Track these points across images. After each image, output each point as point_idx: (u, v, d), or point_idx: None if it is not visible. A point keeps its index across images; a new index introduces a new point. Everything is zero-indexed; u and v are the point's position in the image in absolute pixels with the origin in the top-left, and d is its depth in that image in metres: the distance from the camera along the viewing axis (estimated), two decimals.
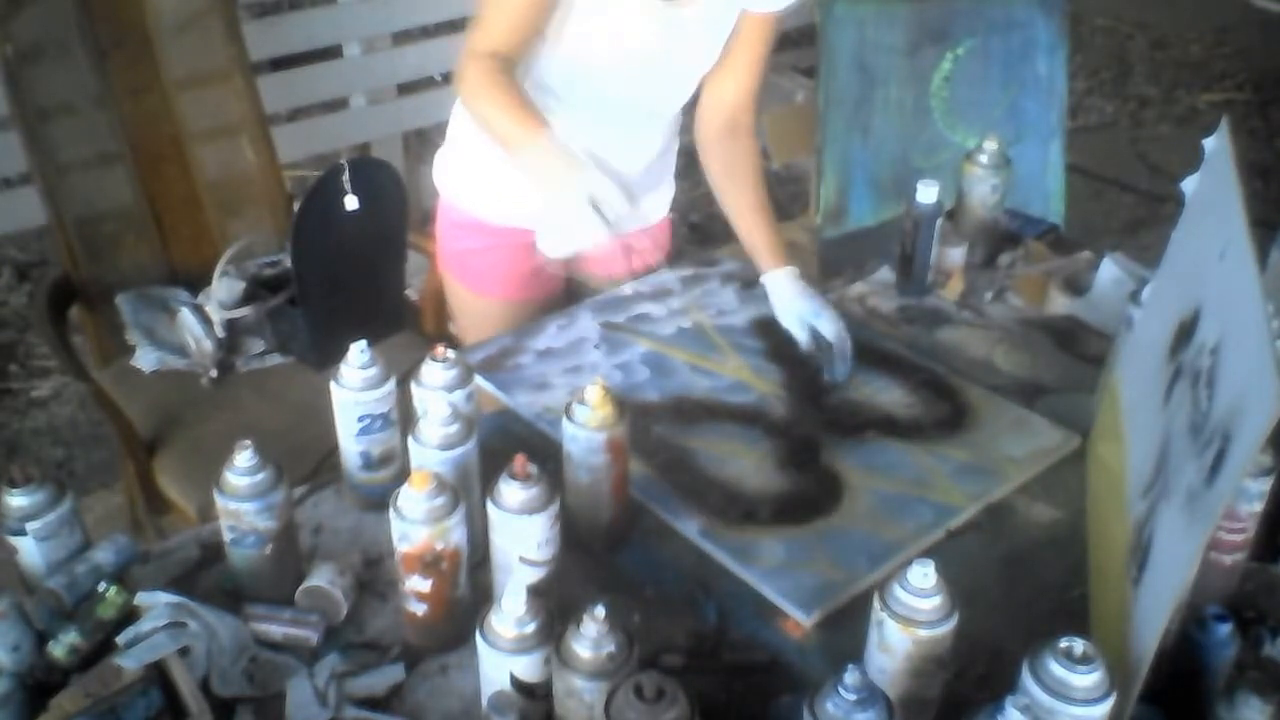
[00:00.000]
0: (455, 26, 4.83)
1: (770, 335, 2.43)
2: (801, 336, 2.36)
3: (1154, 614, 1.45)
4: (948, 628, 1.52)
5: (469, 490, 1.72)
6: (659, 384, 2.29)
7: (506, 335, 2.44)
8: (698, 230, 5.46)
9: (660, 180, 2.73)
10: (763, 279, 2.46)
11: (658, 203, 2.77)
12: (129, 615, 1.66)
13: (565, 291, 2.78)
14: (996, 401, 2.26)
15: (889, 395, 2.27)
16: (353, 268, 2.96)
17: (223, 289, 2.98)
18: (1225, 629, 1.60)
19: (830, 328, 2.32)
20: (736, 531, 1.94)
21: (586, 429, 1.81)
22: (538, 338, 2.43)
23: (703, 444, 2.14)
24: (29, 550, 1.71)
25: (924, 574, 1.51)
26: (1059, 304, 2.58)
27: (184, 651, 1.61)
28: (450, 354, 1.94)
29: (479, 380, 2.30)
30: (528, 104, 2.23)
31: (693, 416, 2.21)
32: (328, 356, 2.48)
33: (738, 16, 2.41)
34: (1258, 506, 1.74)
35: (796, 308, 2.38)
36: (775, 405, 2.25)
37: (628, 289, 2.59)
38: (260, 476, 1.73)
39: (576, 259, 2.39)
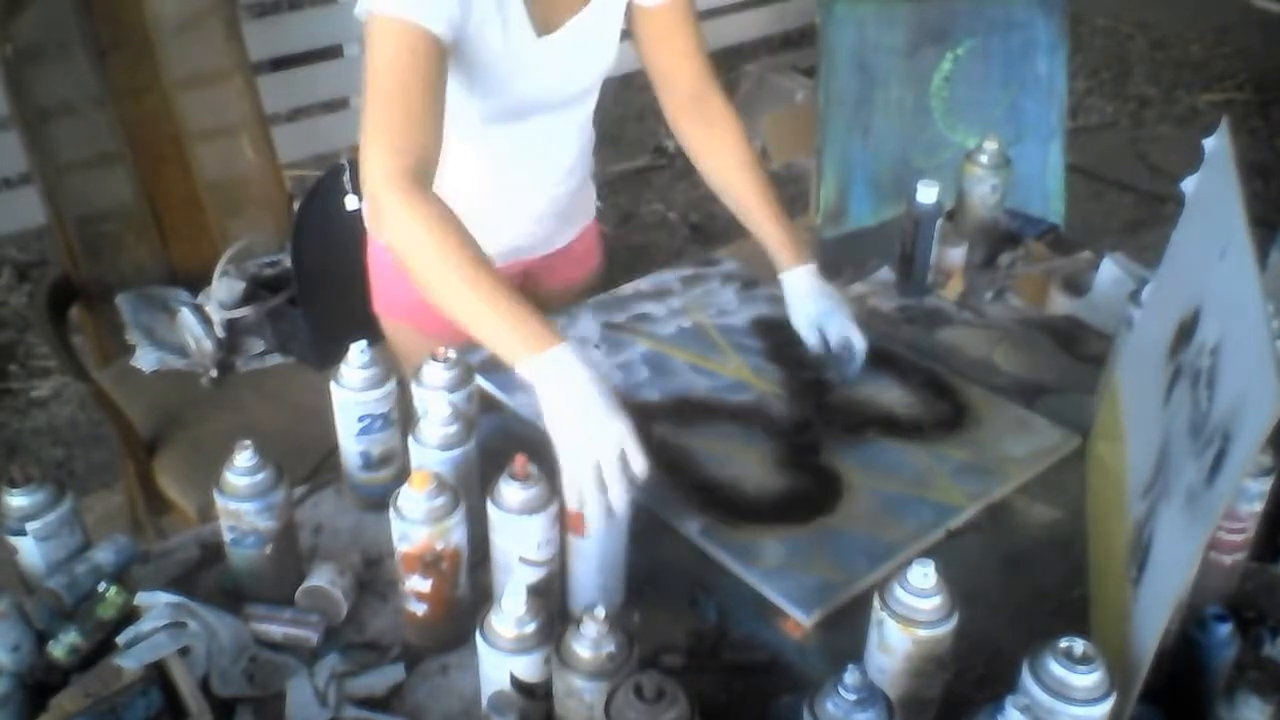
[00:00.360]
0: None
1: (770, 335, 2.43)
2: (810, 339, 2.32)
3: (1154, 614, 1.45)
4: (948, 628, 1.52)
5: (469, 490, 1.72)
6: (659, 384, 2.29)
7: None
8: (698, 230, 5.46)
9: (582, 187, 2.61)
10: (780, 277, 2.38)
11: (582, 209, 2.65)
12: (129, 615, 1.66)
13: None
14: (996, 401, 2.26)
15: (889, 395, 2.27)
16: (353, 268, 2.95)
17: (223, 289, 2.98)
18: (1225, 629, 1.60)
19: (837, 332, 2.28)
20: (737, 531, 1.94)
21: None
22: None
23: (703, 443, 2.14)
24: (29, 550, 1.71)
25: (924, 574, 1.51)
26: (1059, 304, 2.58)
27: (184, 651, 1.61)
28: (451, 354, 1.94)
29: (479, 380, 2.30)
30: (508, 290, 1.82)
31: (693, 416, 2.21)
32: (328, 356, 2.47)
33: (623, 9, 2.32)
34: (1258, 506, 1.74)
35: (808, 309, 2.33)
36: (775, 405, 2.25)
37: (628, 289, 2.60)
38: (260, 476, 1.73)
39: (521, 280, 2.43)
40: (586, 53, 2.31)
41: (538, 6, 2.16)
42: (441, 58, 1.99)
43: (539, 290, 2.62)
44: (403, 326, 2.56)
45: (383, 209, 1.87)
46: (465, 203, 1.97)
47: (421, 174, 1.91)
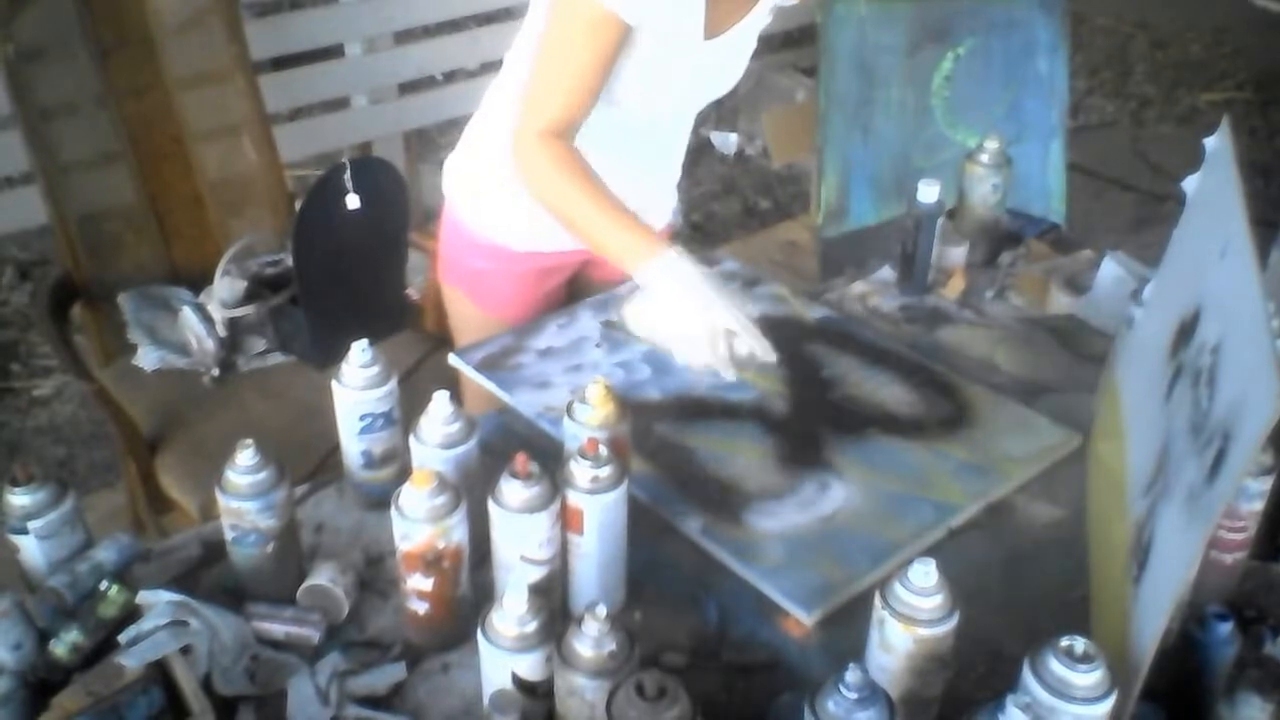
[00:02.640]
0: (456, 26, 4.84)
1: (771, 333, 2.43)
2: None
3: (1154, 613, 1.45)
4: (949, 626, 1.52)
5: (470, 489, 1.72)
6: (660, 382, 2.30)
7: (507, 334, 2.44)
8: (699, 229, 5.46)
9: (662, 191, 2.70)
10: None
11: (663, 209, 2.73)
12: (131, 614, 1.66)
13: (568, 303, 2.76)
14: (997, 400, 2.26)
15: (890, 393, 2.28)
16: (354, 267, 2.96)
17: (224, 288, 2.98)
18: (1226, 628, 1.60)
19: None
20: (737, 530, 1.95)
21: (588, 428, 1.81)
22: (538, 336, 2.43)
23: (704, 442, 2.14)
24: (31, 549, 1.71)
25: (925, 573, 1.51)
26: (1060, 303, 2.58)
27: (185, 650, 1.61)
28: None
29: (479, 378, 2.31)
30: (628, 210, 2.12)
31: (694, 414, 2.21)
32: (329, 355, 2.48)
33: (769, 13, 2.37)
34: (1258, 505, 1.74)
35: None
36: (776, 403, 2.25)
37: (628, 288, 2.59)
38: (262, 475, 1.73)
39: (584, 268, 2.53)
40: (739, 56, 2.38)
41: (716, 9, 2.20)
42: (620, 45, 2.12)
43: (595, 283, 2.72)
44: (458, 294, 2.70)
45: (528, 155, 2.15)
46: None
47: (566, 139, 2.16)
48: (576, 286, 2.76)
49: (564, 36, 2.12)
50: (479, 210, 2.58)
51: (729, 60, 2.36)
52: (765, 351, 2.00)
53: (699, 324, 1.99)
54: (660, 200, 2.68)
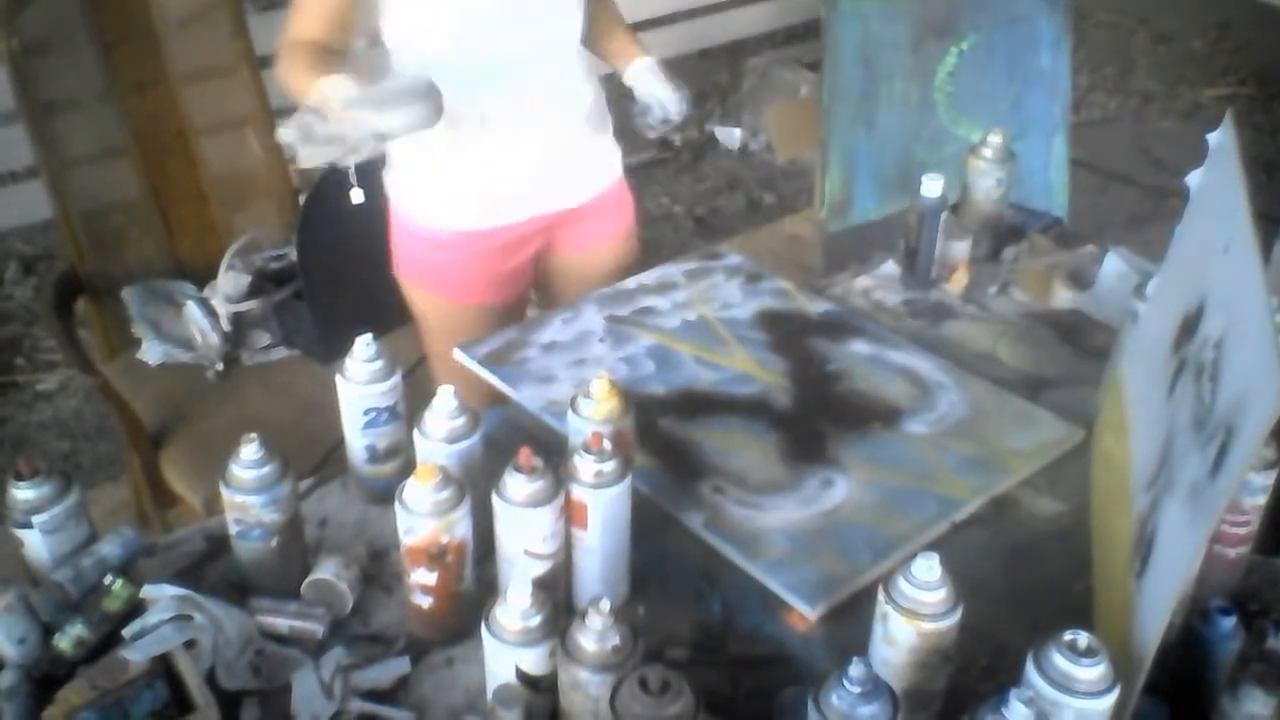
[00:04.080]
0: None
1: (775, 328, 2.44)
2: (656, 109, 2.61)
3: (1157, 607, 1.45)
4: (952, 620, 1.52)
5: (474, 483, 1.72)
6: (664, 377, 2.30)
7: (512, 329, 2.45)
8: (703, 224, 5.46)
9: (596, 140, 2.71)
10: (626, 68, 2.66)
11: (603, 163, 2.76)
12: (135, 608, 1.67)
13: (543, 282, 2.83)
14: (1001, 395, 2.26)
15: (894, 388, 2.28)
16: (358, 261, 2.96)
17: (229, 282, 2.98)
18: (1229, 622, 1.61)
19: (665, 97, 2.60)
20: (741, 524, 1.95)
21: (592, 422, 1.82)
22: (542, 331, 2.43)
23: (707, 436, 2.14)
24: (35, 543, 1.71)
25: (929, 567, 1.51)
26: (1063, 298, 2.58)
27: (190, 644, 1.62)
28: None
29: (484, 373, 2.31)
30: (321, 64, 2.30)
31: (698, 409, 2.21)
32: (333, 350, 2.48)
33: None
34: (1261, 500, 1.74)
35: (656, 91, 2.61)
36: (780, 397, 2.25)
37: (632, 283, 2.60)
38: (266, 469, 1.73)
39: (545, 237, 2.60)
40: None
41: None
42: None
43: (562, 255, 2.77)
44: (419, 290, 2.72)
45: (277, 56, 2.38)
46: (463, 150, 2.47)
47: (314, 45, 2.36)
48: (544, 264, 2.79)
49: None
50: (416, 200, 2.62)
51: None
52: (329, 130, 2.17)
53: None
54: (586, 156, 2.70)
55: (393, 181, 2.63)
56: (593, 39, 2.61)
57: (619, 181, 2.80)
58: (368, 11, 2.38)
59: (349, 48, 2.40)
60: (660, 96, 2.60)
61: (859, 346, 2.38)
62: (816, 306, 2.52)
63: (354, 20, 2.39)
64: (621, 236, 2.83)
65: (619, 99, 2.66)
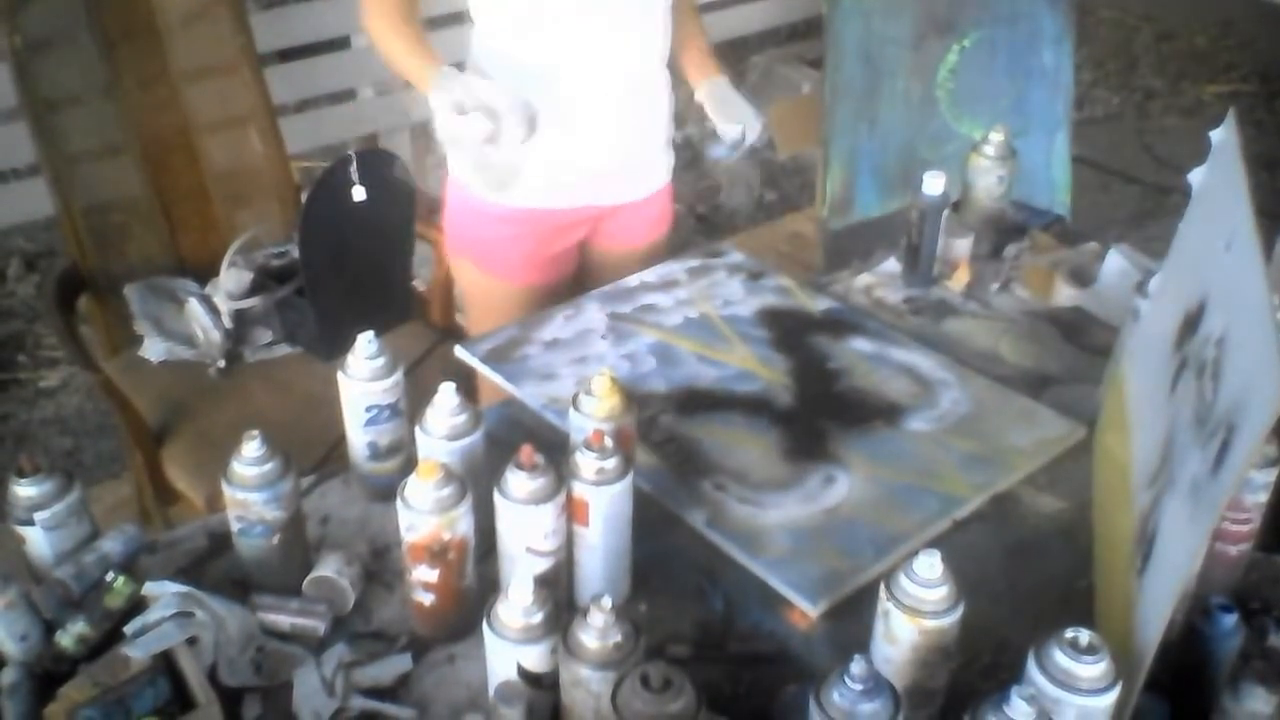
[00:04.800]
0: (462, 18, 4.82)
1: (777, 325, 2.44)
2: (732, 133, 2.60)
3: (1158, 604, 1.45)
4: (953, 618, 1.52)
5: (476, 480, 1.72)
6: (666, 374, 2.30)
7: (513, 326, 2.45)
8: (704, 221, 5.46)
9: (655, 143, 2.77)
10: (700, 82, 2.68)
11: (661, 165, 2.82)
12: (137, 605, 1.67)
13: (578, 271, 2.85)
14: (1003, 392, 2.26)
15: (896, 385, 2.28)
16: (360, 258, 2.97)
17: (230, 279, 2.98)
18: (1231, 619, 1.61)
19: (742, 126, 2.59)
20: (743, 521, 1.95)
21: (594, 419, 1.82)
22: (544, 328, 2.43)
23: (709, 433, 2.15)
24: (37, 540, 1.72)
25: (930, 564, 1.51)
26: (1065, 295, 2.58)
27: (192, 641, 1.62)
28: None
29: (485, 370, 2.31)
30: (425, 43, 2.47)
31: (699, 406, 2.22)
32: (335, 347, 2.48)
33: None
34: (1263, 497, 1.74)
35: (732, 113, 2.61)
36: (782, 394, 2.25)
37: (634, 280, 2.60)
38: (268, 466, 1.73)
39: (603, 232, 2.65)
40: None
41: None
42: None
43: (602, 247, 2.84)
44: (467, 265, 2.79)
45: (365, 17, 2.58)
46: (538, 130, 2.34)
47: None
48: (587, 259, 2.84)
49: None
50: (473, 174, 2.63)
51: None
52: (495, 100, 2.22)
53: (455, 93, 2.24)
54: (645, 152, 2.75)
55: (457, 153, 2.66)
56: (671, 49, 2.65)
57: (667, 186, 2.87)
58: None
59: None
60: (735, 119, 2.61)
61: (861, 344, 2.39)
62: (818, 304, 2.52)
63: None
64: (659, 237, 2.90)
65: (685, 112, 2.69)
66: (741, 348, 2.38)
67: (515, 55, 2.49)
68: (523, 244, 2.68)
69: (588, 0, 2.43)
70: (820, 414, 2.21)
